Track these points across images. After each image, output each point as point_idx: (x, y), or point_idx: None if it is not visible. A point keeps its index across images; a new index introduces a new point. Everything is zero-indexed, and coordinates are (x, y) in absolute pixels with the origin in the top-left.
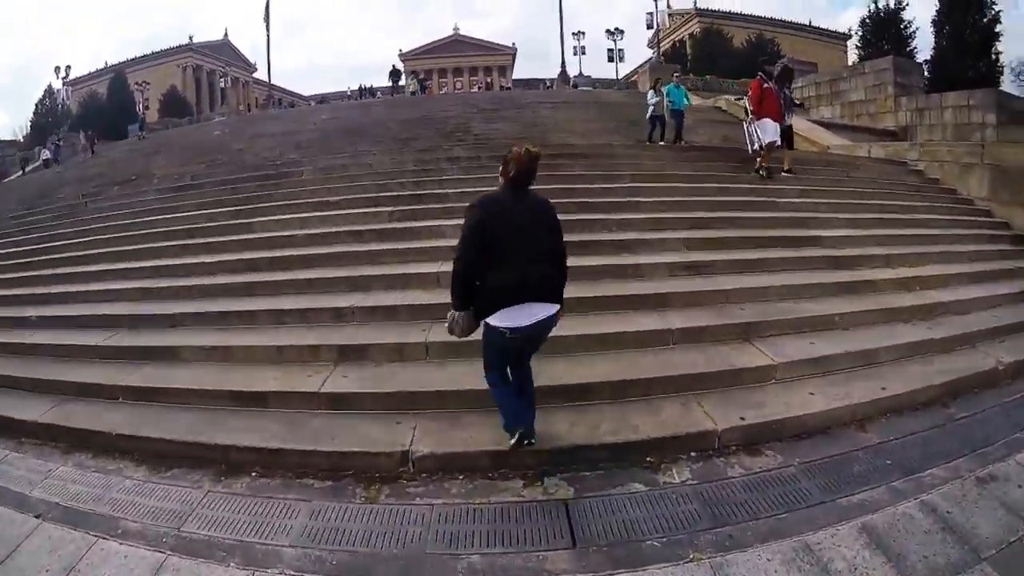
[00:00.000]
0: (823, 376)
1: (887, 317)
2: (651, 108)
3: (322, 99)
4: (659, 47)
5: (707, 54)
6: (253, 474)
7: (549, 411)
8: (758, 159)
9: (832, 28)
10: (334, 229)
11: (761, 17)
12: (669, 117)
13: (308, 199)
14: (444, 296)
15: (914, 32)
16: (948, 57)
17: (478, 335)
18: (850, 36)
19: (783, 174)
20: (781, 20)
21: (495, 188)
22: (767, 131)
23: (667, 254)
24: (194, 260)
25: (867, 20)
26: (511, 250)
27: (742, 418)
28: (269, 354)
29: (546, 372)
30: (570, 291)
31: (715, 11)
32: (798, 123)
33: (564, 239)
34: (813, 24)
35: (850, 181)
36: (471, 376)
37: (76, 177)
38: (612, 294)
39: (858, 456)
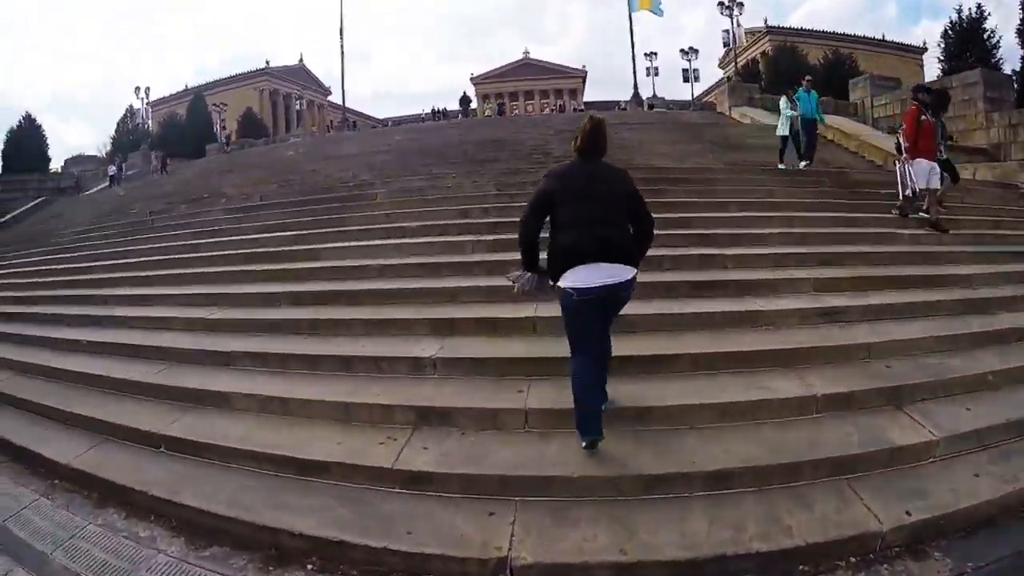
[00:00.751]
0: (983, 451)
1: None
2: (786, 122)
3: (398, 122)
4: (736, 65)
5: (782, 72)
6: (309, 567)
7: (682, 503)
8: (913, 205)
9: (906, 42)
10: (410, 260)
11: (834, 33)
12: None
13: (382, 224)
14: (543, 349)
15: (998, 42)
16: None
17: None
18: (925, 49)
19: (922, 214)
20: (854, 35)
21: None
22: (921, 173)
23: (795, 298)
24: (255, 289)
25: (949, 32)
26: (576, 213)
27: (908, 513)
28: (334, 411)
29: (675, 451)
30: (693, 345)
31: (787, 28)
32: (888, 142)
33: (648, 211)
34: (887, 39)
35: (965, 208)
36: (583, 455)
37: (148, 194)
38: (741, 349)
39: None
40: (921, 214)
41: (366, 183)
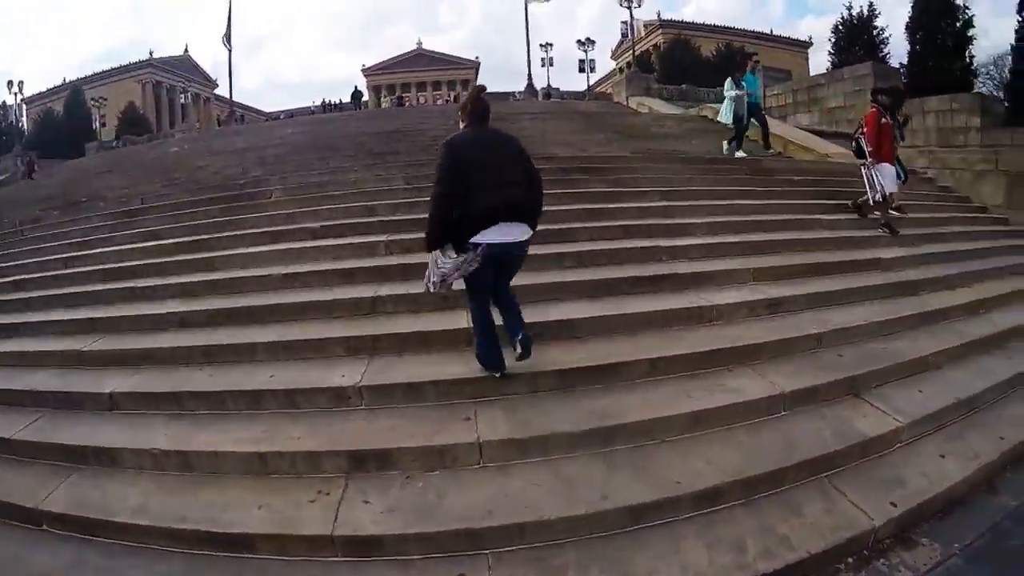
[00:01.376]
0: (940, 431)
1: (970, 351)
2: (731, 106)
3: (290, 114)
4: (634, 55)
5: (676, 63)
6: None
7: (674, 531)
8: (879, 212)
9: (793, 36)
10: (317, 268)
11: (725, 27)
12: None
13: (282, 226)
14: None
15: (887, 38)
16: (923, 61)
17: None
18: (811, 44)
19: (891, 211)
20: (744, 30)
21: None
22: (888, 176)
23: (738, 289)
24: (140, 310)
25: (840, 26)
26: (481, 178)
27: (893, 504)
28: (247, 464)
29: (653, 471)
30: (647, 348)
31: (679, 22)
32: (788, 130)
33: (535, 167)
34: (774, 33)
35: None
36: (554, 489)
37: (20, 200)
38: (696, 350)
39: (1006, 528)
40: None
41: (260, 179)
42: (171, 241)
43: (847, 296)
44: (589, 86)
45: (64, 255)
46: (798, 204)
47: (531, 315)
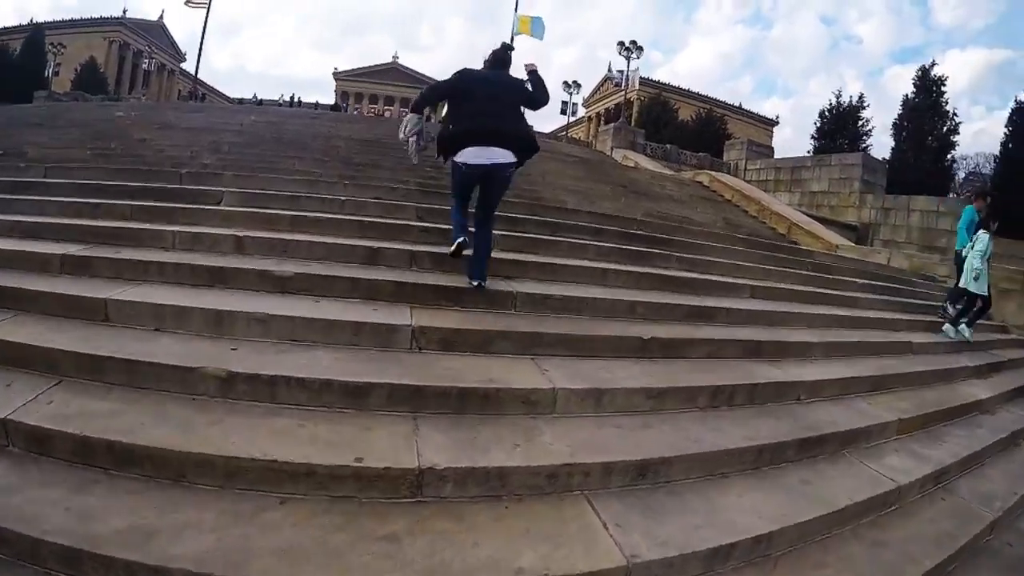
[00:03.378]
0: None
1: None
2: (984, 268)
3: (258, 102)
4: (625, 106)
5: (654, 122)
6: None
7: None
8: None
9: (760, 113)
10: (285, 370)
11: (699, 94)
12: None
13: (230, 257)
14: None
15: (871, 131)
16: (906, 159)
17: None
18: (777, 123)
19: None
20: (719, 100)
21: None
22: None
23: (897, 453)
24: None
25: (827, 112)
26: (479, 104)
27: None
28: None
29: None
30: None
31: (657, 82)
32: (789, 211)
33: (545, 90)
34: (743, 107)
35: (915, 307)
36: None
37: None
38: None
39: None
40: None
41: (207, 173)
42: (53, 251)
43: (982, 456)
44: (566, 128)
45: None
46: (879, 319)
47: (705, 517)
